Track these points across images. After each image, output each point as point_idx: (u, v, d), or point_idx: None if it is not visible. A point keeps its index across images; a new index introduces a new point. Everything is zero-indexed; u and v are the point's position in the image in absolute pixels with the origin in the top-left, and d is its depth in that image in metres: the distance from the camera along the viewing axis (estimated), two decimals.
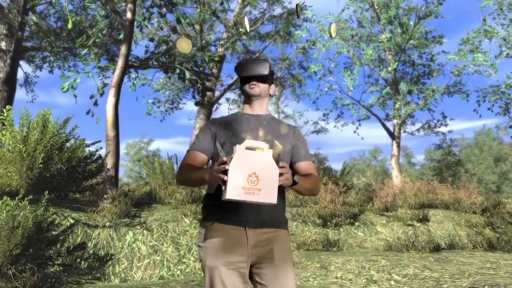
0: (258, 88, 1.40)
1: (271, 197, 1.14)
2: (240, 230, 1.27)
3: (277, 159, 1.20)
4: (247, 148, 1.17)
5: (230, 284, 1.20)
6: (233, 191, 1.10)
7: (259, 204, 1.19)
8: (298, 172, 1.41)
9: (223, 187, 1.16)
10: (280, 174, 1.16)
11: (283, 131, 1.42)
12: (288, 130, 1.44)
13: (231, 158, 1.14)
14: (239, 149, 1.14)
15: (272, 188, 1.14)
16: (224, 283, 1.20)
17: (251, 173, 1.12)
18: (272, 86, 1.47)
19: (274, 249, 1.28)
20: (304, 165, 1.41)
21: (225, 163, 1.12)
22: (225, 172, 1.11)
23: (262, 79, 1.40)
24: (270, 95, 1.47)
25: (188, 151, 1.41)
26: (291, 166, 1.44)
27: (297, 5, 1.60)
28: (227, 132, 1.37)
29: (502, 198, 7.38)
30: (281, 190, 1.37)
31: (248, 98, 1.43)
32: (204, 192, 6.25)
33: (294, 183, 1.23)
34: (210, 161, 1.43)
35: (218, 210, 1.29)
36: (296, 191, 1.30)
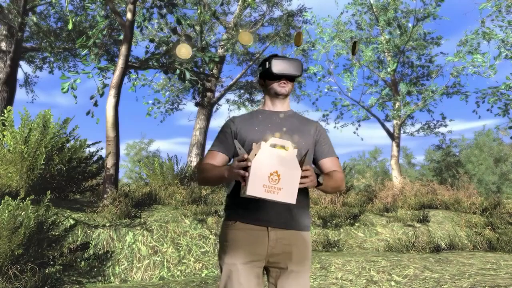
0: (287, 87, 1.38)
1: (291, 197, 1.13)
2: (262, 230, 1.26)
3: (301, 160, 1.19)
4: (272, 146, 1.16)
5: (246, 283, 1.20)
6: (254, 188, 1.10)
7: (281, 203, 1.19)
8: (322, 169, 1.40)
9: (242, 184, 1.16)
10: (305, 177, 1.15)
11: (304, 127, 1.40)
12: (309, 126, 1.42)
13: (254, 155, 1.14)
14: (263, 146, 1.13)
15: (293, 188, 1.14)
16: (240, 282, 1.19)
17: (273, 172, 1.12)
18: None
19: (293, 253, 1.26)
20: (328, 162, 1.39)
21: (246, 160, 1.11)
22: (246, 168, 1.11)
23: (291, 78, 1.38)
24: None
25: (209, 151, 1.40)
26: (315, 163, 1.42)
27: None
28: (248, 130, 1.35)
29: (502, 198, 7.39)
30: (305, 189, 1.35)
31: (274, 96, 1.39)
32: (204, 192, 6.25)
33: (319, 184, 1.22)
34: (232, 160, 1.42)
35: (240, 209, 1.29)
36: (321, 191, 1.29)
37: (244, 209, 1.28)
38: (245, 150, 1.33)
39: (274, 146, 1.17)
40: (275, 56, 1.36)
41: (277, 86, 1.37)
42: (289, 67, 1.34)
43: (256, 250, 1.23)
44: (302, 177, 1.16)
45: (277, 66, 1.34)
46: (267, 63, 1.36)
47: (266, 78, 1.39)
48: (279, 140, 1.16)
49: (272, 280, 1.27)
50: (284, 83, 1.37)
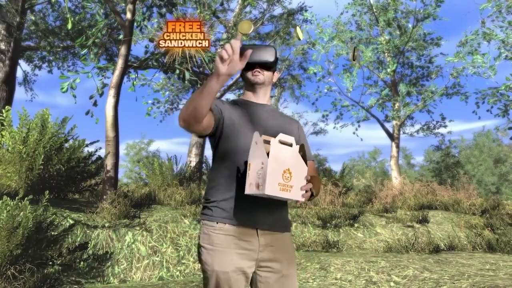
0: (262, 75, 1.31)
1: (300, 195, 1.13)
2: (252, 232, 1.19)
3: (303, 156, 1.19)
4: (280, 143, 1.15)
5: None
6: (272, 187, 1.07)
7: (289, 200, 1.16)
8: None
9: (249, 182, 1.11)
10: (307, 190, 1.14)
11: (289, 124, 1.37)
12: (293, 123, 1.39)
13: (255, 142, 1.12)
14: (273, 143, 1.11)
15: (301, 185, 1.13)
16: None
17: (285, 169, 1.11)
18: (276, 73, 1.38)
19: (284, 257, 1.23)
20: (308, 167, 1.36)
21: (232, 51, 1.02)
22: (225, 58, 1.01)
23: (266, 66, 1.30)
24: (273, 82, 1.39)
25: None
26: None
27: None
28: (237, 119, 1.26)
29: (502, 199, 7.40)
30: None
31: (251, 86, 1.33)
32: (203, 193, 6.24)
33: (312, 195, 1.19)
34: (216, 127, 1.26)
35: (228, 209, 1.20)
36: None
37: (234, 208, 1.19)
38: (231, 140, 1.23)
39: (282, 142, 1.15)
40: (246, 45, 1.30)
41: (250, 75, 1.31)
42: (260, 54, 1.28)
43: (247, 256, 1.17)
44: (306, 190, 1.14)
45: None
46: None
47: (244, 70, 1.33)
48: (285, 136, 1.15)
49: (262, 285, 1.20)
50: (258, 71, 1.30)
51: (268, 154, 1.11)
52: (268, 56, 1.28)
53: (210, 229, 1.20)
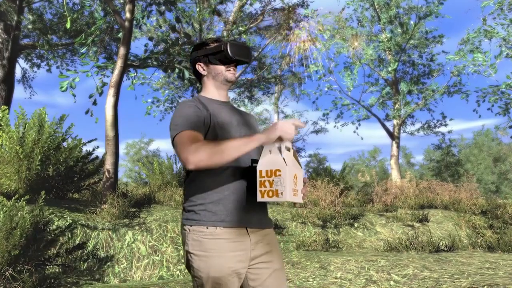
0: (236, 74, 1.32)
1: (301, 197, 1.17)
2: (242, 232, 1.17)
3: (296, 158, 1.21)
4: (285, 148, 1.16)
5: None
6: (290, 193, 1.10)
7: (295, 203, 1.21)
8: None
9: (263, 190, 1.10)
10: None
11: (252, 119, 1.37)
12: (252, 117, 1.39)
13: (269, 151, 1.13)
14: (284, 149, 1.13)
15: (301, 188, 1.17)
16: None
17: (294, 174, 1.14)
18: None
19: (273, 251, 1.23)
20: None
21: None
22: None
23: (237, 65, 1.31)
24: None
25: (186, 131, 1.13)
26: None
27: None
28: (222, 120, 1.23)
29: (502, 198, 7.41)
30: None
31: (223, 83, 1.29)
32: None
33: None
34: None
35: (216, 212, 1.15)
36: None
37: (224, 210, 1.15)
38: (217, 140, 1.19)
39: (286, 148, 1.17)
40: (226, 40, 1.29)
41: (227, 73, 1.28)
42: (246, 53, 1.27)
43: (242, 258, 1.15)
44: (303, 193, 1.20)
45: (235, 51, 1.24)
46: (219, 46, 1.25)
47: (216, 63, 1.27)
48: (288, 142, 1.16)
49: (254, 283, 1.18)
50: (234, 69, 1.29)
51: (282, 161, 1.12)
52: (249, 56, 1.27)
53: (200, 234, 1.14)
